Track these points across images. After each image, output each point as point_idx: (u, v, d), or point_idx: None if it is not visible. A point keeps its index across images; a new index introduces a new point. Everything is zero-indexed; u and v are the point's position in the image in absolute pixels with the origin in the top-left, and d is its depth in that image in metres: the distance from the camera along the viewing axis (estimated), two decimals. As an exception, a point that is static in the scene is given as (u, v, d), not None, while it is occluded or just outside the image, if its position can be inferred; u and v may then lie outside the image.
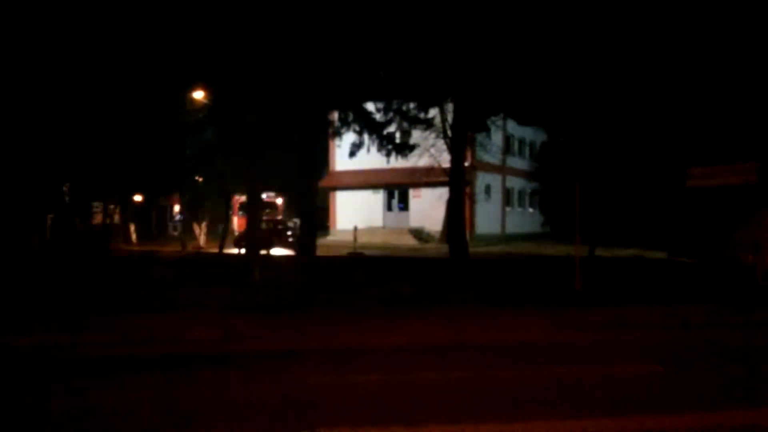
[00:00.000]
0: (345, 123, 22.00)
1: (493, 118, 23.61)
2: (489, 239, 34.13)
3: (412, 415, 5.32)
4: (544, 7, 17.67)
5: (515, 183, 40.12)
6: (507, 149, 38.67)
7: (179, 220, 39.43)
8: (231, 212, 30.47)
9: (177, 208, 41.37)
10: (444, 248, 22.89)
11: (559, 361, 7.47)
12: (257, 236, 17.79)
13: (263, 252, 18.64)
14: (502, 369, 7.07)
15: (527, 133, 40.38)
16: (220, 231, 26.80)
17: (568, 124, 21.38)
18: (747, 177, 16.34)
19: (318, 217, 24.79)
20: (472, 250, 23.15)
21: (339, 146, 26.86)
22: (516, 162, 40.46)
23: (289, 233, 29.25)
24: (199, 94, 23.17)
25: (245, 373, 6.97)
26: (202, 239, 30.72)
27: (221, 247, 24.35)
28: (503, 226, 38.46)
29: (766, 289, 13.49)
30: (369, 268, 19.24)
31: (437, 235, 33.41)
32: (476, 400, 5.81)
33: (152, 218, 42.90)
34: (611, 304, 11.26)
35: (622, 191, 24.68)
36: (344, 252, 25.77)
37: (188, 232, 31.85)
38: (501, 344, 8.56)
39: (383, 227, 36.64)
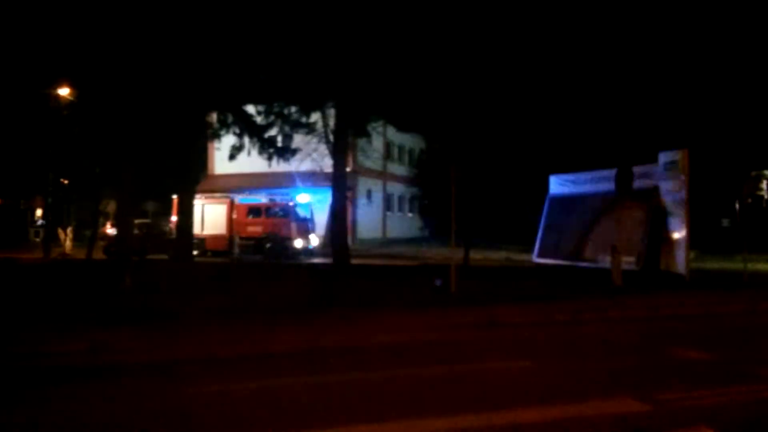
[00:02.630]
0: (224, 125, 21.49)
1: (374, 124, 24.00)
2: (371, 243, 34.55)
3: (291, 421, 5.30)
4: (421, 17, 18.21)
5: (396, 188, 40.92)
6: (387, 155, 39.39)
7: (41, 225, 36.60)
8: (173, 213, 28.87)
9: (39, 212, 38.39)
10: (327, 253, 22.91)
11: (436, 360, 7.72)
12: (129, 241, 16.92)
13: (136, 258, 17.74)
14: (381, 370, 7.20)
15: (407, 139, 41.35)
16: (88, 236, 25.18)
17: (444, 131, 22.14)
18: (605, 183, 17.67)
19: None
20: (355, 254, 23.35)
21: (218, 149, 26.15)
22: (396, 168, 41.29)
23: (165, 238, 28.02)
24: (64, 92, 21.70)
25: (114, 387, 6.60)
26: (68, 245, 28.72)
27: (89, 253, 22.90)
28: (384, 230, 39.07)
29: (621, 287, 14.65)
30: (247, 273, 18.87)
31: (320, 240, 33.35)
32: (353, 401, 5.88)
33: (12, 223, 39.58)
34: (484, 305, 11.77)
35: (495, 197, 25.90)
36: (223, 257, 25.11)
37: (52, 237, 29.64)
38: (381, 345, 8.70)
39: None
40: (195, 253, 24.75)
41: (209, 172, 37.12)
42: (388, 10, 18.07)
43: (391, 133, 37.28)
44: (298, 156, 22.43)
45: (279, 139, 23.83)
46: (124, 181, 17.22)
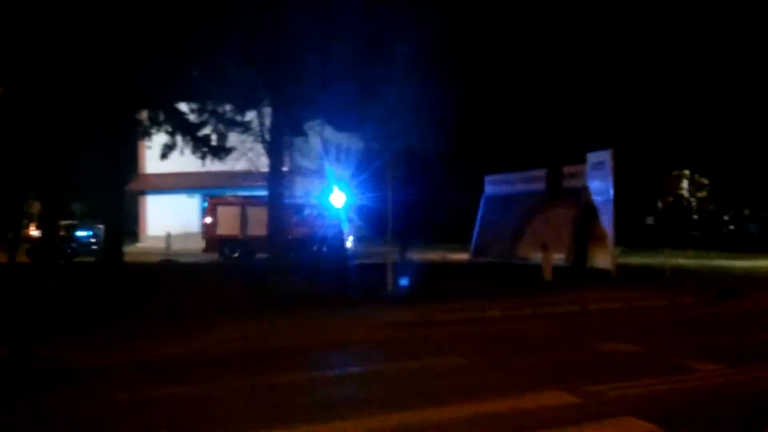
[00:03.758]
0: (156, 123, 20.86)
1: (311, 124, 23.87)
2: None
3: (223, 424, 5.23)
4: (358, 15, 18.23)
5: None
6: (325, 154, 39.24)
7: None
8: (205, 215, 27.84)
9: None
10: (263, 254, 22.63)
11: (370, 359, 7.78)
12: (56, 244, 16.24)
13: (62, 261, 17.04)
14: (316, 371, 7.19)
15: (344, 139, 41.32)
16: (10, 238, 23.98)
17: (381, 131, 22.26)
18: (536, 183, 18.21)
19: (125, 223, 23.19)
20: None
21: (149, 147, 25.38)
22: (334, 168, 41.19)
23: (92, 240, 27.04)
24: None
25: (39, 395, 6.34)
26: (-12, 249, 27.28)
27: (12, 257, 21.81)
28: (322, 230, 38.88)
29: (552, 283, 15.12)
30: (182, 275, 18.44)
31: (256, 241, 32.91)
32: (284, 403, 5.87)
33: None
34: (420, 303, 11.91)
35: (432, 197, 26.25)
36: (155, 259, 24.41)
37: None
38: (316, 346, 8.69)
39: (199, 233, 35.27)
40: (236, 254, 24.91)
41: (140, 172, 36.04)
42: (322, 10, 18.02)
43: (329, 132, 37.19)
44: (233, 155, 22.03)
45: (213, 137, 23.36)
46: (49, 180, 16.50)
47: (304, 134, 24.63)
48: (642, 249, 25.94)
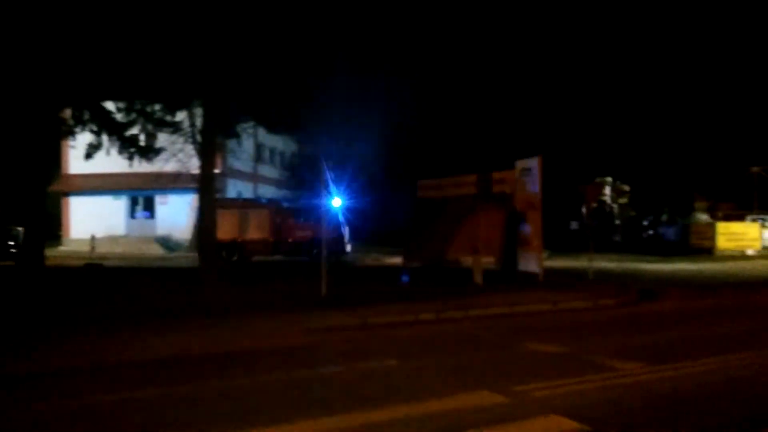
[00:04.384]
0: (80, 122, 20.07)
1: (244, 125, 23.52)
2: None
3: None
4: (292, 17, 18.13)
5: (267, 191, 40.39)
6: (258, 157, 38.79)
7: None
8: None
9: None
10: (194, 257, 22.14)
11: (305, 364, 7.76)
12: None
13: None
14: (248, 376, 7.11)
15: (278, 142, 40.97)
16: None
17: (316, 134, 22.24)
18: (467, 188, 18.58)
19: (47, 226, 22.18)
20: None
21: (73, 147, 24.38)
22: (268, 170, 40.77)
23: (11, 243, 25.73)
24: None
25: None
26: None
27: None
28: (254, 233, 38.37)
29: (482, 286, 15.46)
30: (108, 279, 17.82)
31: (186, 244, 32.15)
32: (203, 412, 5.78)
33: None
34: (355, 306, 11.95)
35: (367, 201, 26.38)
36: (80, 263, 23.46)
37: None
38: (249, 351, 8.58)
39: (126, 236, 34.18)
40: (234, 258, 24.46)
41: (63, 172, 34.58)
42: (257, 8, 17.82)
43: (262, 134, 36.78)
44: (162, 156, 21.44)
45: (141, 137, 22.67)
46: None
47: (236, 136, 24.19)
48: (567, 253, 26.88)
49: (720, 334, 9.82)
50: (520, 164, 17.43)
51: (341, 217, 25.19)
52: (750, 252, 28.74)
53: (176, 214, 32.38)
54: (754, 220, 31.21)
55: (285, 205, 27.25)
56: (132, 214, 35.42)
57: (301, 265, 22.27)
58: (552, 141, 32.87)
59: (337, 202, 26.03)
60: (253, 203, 27.26)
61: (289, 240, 25.21)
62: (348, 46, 19.03)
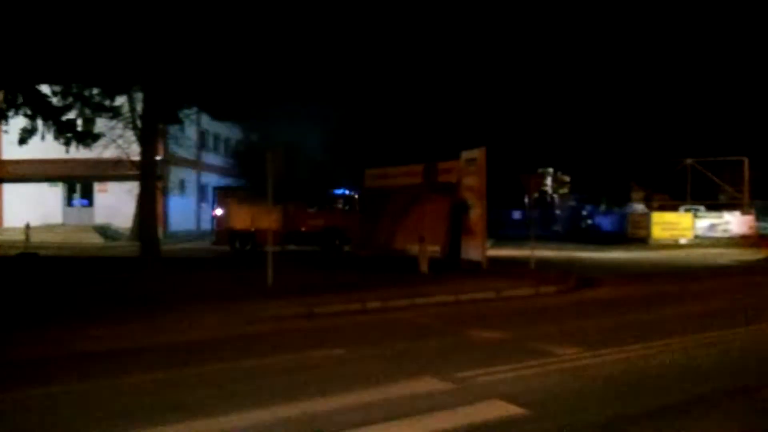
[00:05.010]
0: (13, 105, 19.24)
1: (187, 111, 23.03)
2: (184, 236, 33.18)
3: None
4: (238, 3, 17.82)
5: (211, 179, 39.66)
6: (202, 144, 38.02)
7: None
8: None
9: None
10: (135, 246, 21.61)
11: (251, 353, 7.71)
12: None
13: None
14: (191, 366, 7.02)
15: (222, 128, 40.24)
16: None
17: (261, 121, 21.96)
18: (413, 178, 18.73)
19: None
20: (165, 247, 22.27)
21: (6, 132, 23.37)
22: (212, 158, 40.02)
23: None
24: None
25: None
26: None
27: None
28: (199, 222, 37.73)
29: (428, 275, 15.65)
30: (43, 269, 17.20)
31: (127, 233, 31.30)
32: (144, 404, 5.70)
33: None
34: (302, 295, 11.92)
35: (314, 190, 26.24)
36: (14, 252, 22.54)
37: None
38: (193, 342, 8.46)
39: (63, 224, 33.02)
40: (247, 247, 23.53)
41: (-5, 157, 33.07)
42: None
43: (206, 121, 36.05)
44: (101, 142, 20.81)
45: (79, 122, 21.93)
46: None
47: (179, 122, 23.66)
48: (510, 241, 27.45)
49: (654, 320, 10.24)
50: (465, 155, 17.67)
51: (351, 207, 24.66)
52: (683, 241, 30.00)
53: (116, 202, 31.45)
54: (687, 211, 32.55)
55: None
56: (69, 201, 34.24)
57: (299, 255, 21.81)
58: (496, 132, 33.44)
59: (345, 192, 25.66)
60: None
61: (303, 230, 24.50)
62: (294, 33, 18.83)
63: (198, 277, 15.60)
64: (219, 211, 25.56)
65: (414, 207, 18.53)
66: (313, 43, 19.71)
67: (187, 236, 33.53)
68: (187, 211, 36.41)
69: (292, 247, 23.97)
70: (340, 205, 25.02)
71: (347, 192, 25.72)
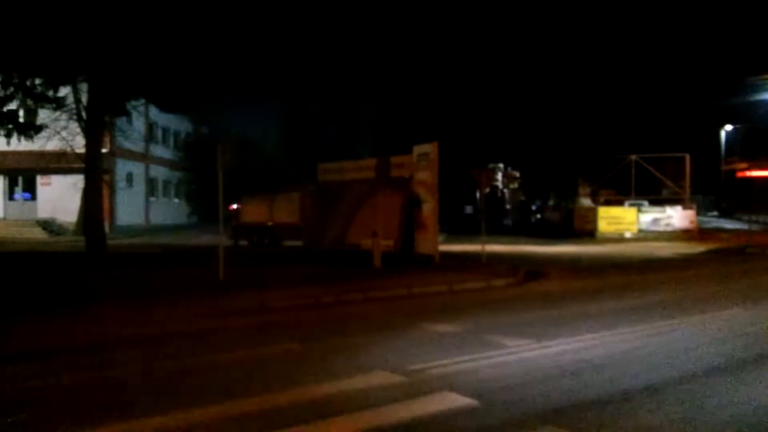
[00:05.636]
0: (-52, 95, 18.45)
1: (134, 103, 22.48)
2: (132, 231, 32.40)
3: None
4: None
5: (160, 172, 38.81)
6: (150, 137, 37.16)
7: None
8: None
9: None
10: (80, 241, 21.01)
11: (204, 349, 7.62)
12: None
13: None
14: (140, 363, 6.90)
15: (172, 121, 39.41)
16: None
17: (211, 113, 21.62)
18: (366, 172, 18.77)
19: None
20: (113, 242, 21.75)
21: (-60, 122, 22.35)
22: (161, 150, 39.13)
23: None
24: None
25: None
26: None
27: None
28: (147, 216, 36.91)
29: (381, 269, 15.74)
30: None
31: (72, 227, 30.36)
32: (88, 402, 5.60)
33: None
34: (254, 290, 11.84)
35: (267, 183, 25.99)
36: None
37: None
38: (142, 338, 8.31)
39: (4, 219, 31.83)
40: (265, 242, 22.81)
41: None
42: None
43: (155, 113, 35.23)
44: (44, 134, 20.11)
45: (21, 113, 21.16)
46: None
47: (126, 114, 23.06)
48: (462, 236, 27.80)
49: (600, 311, 10.55)
50: (418, 149, 17.80)
51: None
52: (628, 235, 30.92)
53: (61, 196, 30.46)
54: (631, 205, 33.54)
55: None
56: (11, 195, 33.00)
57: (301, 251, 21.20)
58: (447, 127, 33.77)
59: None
60: (282, 186, 25.20)
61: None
62: (244, 25, 18.59)
63: (144, 273, 15.28)
64: (235, 206, 24.89)
65: (367, 201, 18.56)
66: (264, 36, 19.49)
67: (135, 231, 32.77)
68: (135, 206, 35.55)
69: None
70: None
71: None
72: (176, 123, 39.70)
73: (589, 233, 30.89)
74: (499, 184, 39.43)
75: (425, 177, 17.41)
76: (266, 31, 19.64)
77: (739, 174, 50.60)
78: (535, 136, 41.65)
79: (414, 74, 35.28)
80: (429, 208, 17.25)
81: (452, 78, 36.96)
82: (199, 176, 32.63)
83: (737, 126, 52.72)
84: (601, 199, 35.71)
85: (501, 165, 39.40)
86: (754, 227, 30.10)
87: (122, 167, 33.45)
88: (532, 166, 42.13)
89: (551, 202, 41.60)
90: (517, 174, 41.86)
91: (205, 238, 27.05)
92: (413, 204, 17.67)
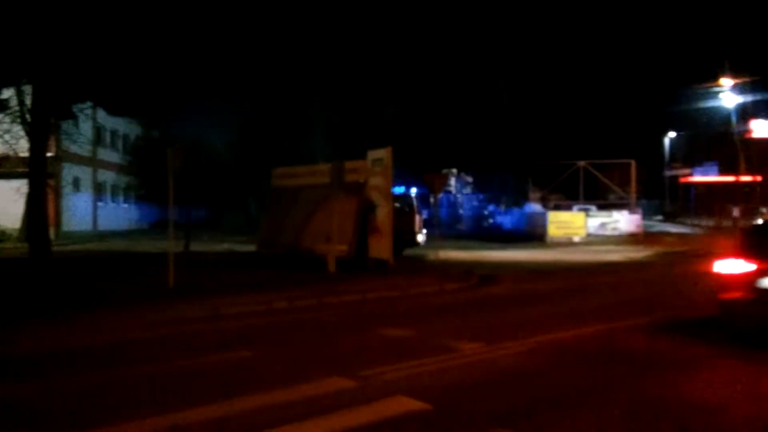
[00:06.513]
0: None
1: (81, 106, 21.92)
2: (80, 237, 31.47)
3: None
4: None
5: (108, 177, 37.82)
6: (98, 140, 36.21)
7: None
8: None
9: None
10: (24, 248, 20.30)
11: (153, 358, 7.48)
12: None
13: None
14: (89, 374, 6.73)
15: (120, 124, 38.51)
16: None
17: (161, 117, 21.23)
18: (321, 177, 18.71)
19: None
20: (59, 248, 21.10)
21: None
22: (109, 154, 38.14)
23: None
24: None
25: None
26: None
27: None
28: (95, 222, 35.91)
29: (335, 274, 15.70)
30: None
31: (15, 234, 29.27)
32: (46, 412, 5.47)
33: None
34: (206, 296, 11.66)
35: (219, 187, 25.64)
36: None
37: None
38: (91, 347, 8.10)
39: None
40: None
41: None
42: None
43: (103, 116, 34.36)
44: (-15, 136, 19.42)
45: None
46: None
47: (72, 117, 22.46)
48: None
49: (550, 313, 10.80)
50: (372, 155, 17.86)
51: (414, 203, 22.58)
52: (576, 239, 31.65)
53: (3, 201, 29.35)
54: (580, 210, 34.37)
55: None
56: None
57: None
58: (402, 132, 34.02)
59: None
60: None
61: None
62: (194, 29, 18.35)
63: (93, 279, 14.88)
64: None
65: (321, 206, 18.50)
66: (217, 39, 19.28)
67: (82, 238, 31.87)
68: (82, 211, 34.55)
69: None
70: (398, 205, 22.28)
71: (405, 190, 23.86)
72: (125, 126, 38.81)
73: (539, 237, 31.49)
74: (453, 189, 39.86)
75: (379, 182, 17.48)
76: (218, 34, 19.41)
77: (682, 180, 52.49)
78: (488, 142, 42.34)
79: (369, 79, 35.44)
80: (383, 213, 17.31)
81: (407, 84, 37.29)
82: (149, 181, 31.94)
83: (680, 133, 54.71)
84: (551, 204, 36.48)
85: (454, 170, 39.87)
86: (697, 230, 31.23)
87: (68, 171, 32.46)
88: (485, 172, 42.79)
89: (503, 207, 42.28)
90: (470, 179, 42.43)
91: (155, 244, 26.48)
92: (368, 209, 17.71)
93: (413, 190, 24.53)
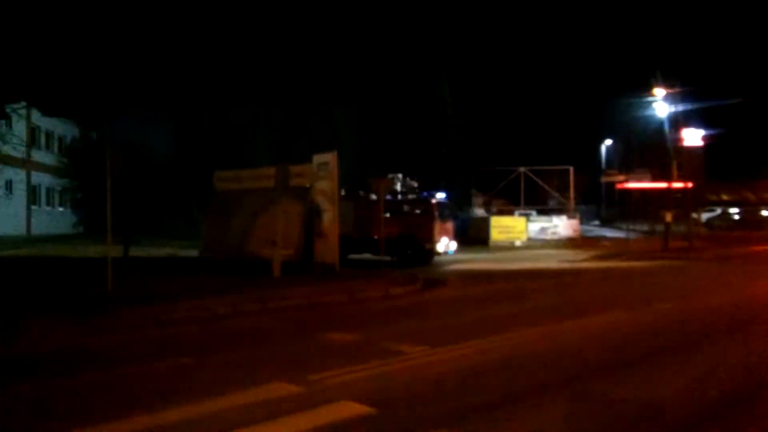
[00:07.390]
0: None
1: (14, 105, 21.04)
2: (12, 242, 30.14)
3: None
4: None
5: (43, 179, 36.38)
6: (33, 142, 34.80)
7: None
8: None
9: None
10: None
11: (87, 367, 7.23)
12: None
13: None
14: (22, 383, 6.46)
15: (56, 125, 37.15)
16: None
17: (99, 118, 20.60)
18: (266, 181, 18.56)
19: None
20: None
21: None
22: (44, 156, 36.71)
23: None
24: None
25: None
26: None
27: None
28: (29, 226, 34.50)
29: (280, 279, 15.57)
30: None
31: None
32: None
33: None
34: (145, 303, 11.35)
35: (160, 191, 24.99)
36: None
37: None
38: (25, 356, 7.78)
39: None
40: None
41: None
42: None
43: (37, 117, 33.07)
44: None
45: None
46: None
47: (5, 117, 21.53)
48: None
49: (494, 316, 10.99)
50: (317, 159, 17.82)
51: (432, 208, 22.07)
52: (518, 243, 32.35)
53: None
54: (521, 215, 35.15)
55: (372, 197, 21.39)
56: None
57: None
58: (348, 136, 34.03)
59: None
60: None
61: (375, 237, 19.86)
62: (132, 29, 17.93)
63: (21, 286, 14.26)
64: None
65: (266, 210, 18.33)
66: (156, 40, 18.85)
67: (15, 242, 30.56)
68: (15, 215, 33.14)
69: (367, 255, 21.25)
70: (417, 210, 22.38)
71: (424, 195, 23.50)
72: (62, 127, 37.47)
73: (482, 241, 32.03)
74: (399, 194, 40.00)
75: (325, 186, 17.45)
76: (157, 33, 18.98)
77: (618, 186, 54.35)
78: (433, 148, 42.82)
79: (312, 83, 35.31)
80: (329, 217, 17.29)
81: (353, 87, 37.34)
82: (86, 184, 30.92)
83: (616, 141, 56.65)
84: (494, 209, 37.18)
85: (400, 175, 40.08)
86: (631, 235, 32.39)
87: (0, 174, 31.07)
88: (430, 177, 43.25)
89: (447, 212, 42.75)
90: (416, 184, 42.74)
91: (92, 249, 25.60)
92: (313, 213, 17.64)
93: (440, 195, 24.13)
